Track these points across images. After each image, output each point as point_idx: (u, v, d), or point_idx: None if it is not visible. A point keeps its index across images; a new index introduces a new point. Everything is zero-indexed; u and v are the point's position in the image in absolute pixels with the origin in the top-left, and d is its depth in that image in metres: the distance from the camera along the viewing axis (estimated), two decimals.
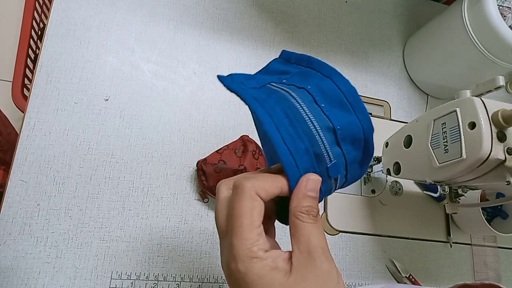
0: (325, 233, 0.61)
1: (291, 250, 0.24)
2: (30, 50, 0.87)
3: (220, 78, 0.28)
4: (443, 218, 0.68)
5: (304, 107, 0.25)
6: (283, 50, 0.29)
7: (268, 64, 0.29)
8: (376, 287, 0.48)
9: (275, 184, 0.24)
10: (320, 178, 0.24)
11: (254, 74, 0.29)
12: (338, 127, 0.24)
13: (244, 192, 0.23)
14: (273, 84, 0.28)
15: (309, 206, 0.24)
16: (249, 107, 0.26)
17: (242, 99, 0.26)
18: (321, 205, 0.60)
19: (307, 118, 0.24)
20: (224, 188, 0.26)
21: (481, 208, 0.60)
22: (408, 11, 0.81)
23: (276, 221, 0.29)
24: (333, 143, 0.25)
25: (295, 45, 0.70)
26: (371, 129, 0.25)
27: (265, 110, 0.25)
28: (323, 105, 0.25)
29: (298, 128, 0.24)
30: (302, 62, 0.28)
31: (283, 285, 0.21)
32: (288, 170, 0.24)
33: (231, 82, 0.28)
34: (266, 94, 0.26)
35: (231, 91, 0.28)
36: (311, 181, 0.24)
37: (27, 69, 0.86)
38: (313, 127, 0.24)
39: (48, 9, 0.60)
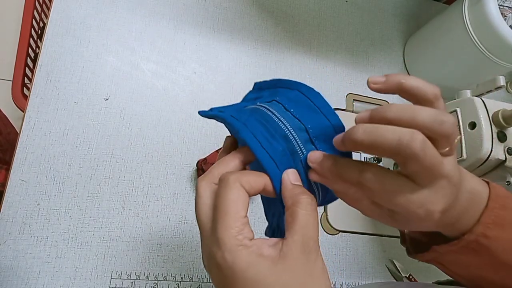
0: (325, 232, 0.61)
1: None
2: (30, 49, 0.87)
3: (200, 113, 0.31)
4: None
5: (275, 113, 0.27)
6: (255, 83, 0.32)
7: (244, 97, 0.32)
8: (373, 285, 0.48)
9: (259, 179, 0.24)
10: (295, 170, 0.26)
11: (231, 104, 0.32)
12: (309, 126, 0.26)
13: (229, 183, 0.23)
14: (248, 106, 0.30)
15: (303, 192, 0.24)
16: (226, 124, 0.29)
17: (220, 120, 0.29)
18: None
19: (280, 122, 0.26)
20: (205, 183, 0.25)
21: None
22: (409, 10, 0.81)
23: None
24: (307, 141, 0.26)
25: (295, 45, 0.70)
26: (341, 127, 0.26)
27: (241, 122, 0.27)
28: (292, 109, 0.27)
29: (273, 131, 0.26)
30: (272, 85, 0.31)
31: (270, 272, 0.21)
32: (269, 169, 0.25)
33: (210, 111, 0.31)
34: (241, 112, 0.29)
35: (210, 117, 0.31)
36: (291, 173, 0.25)
37: (27, 68, 0.86)
38: (286, 129, 0.26)
39: (48, 8, 0.60)
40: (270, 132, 0.26)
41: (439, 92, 0.23)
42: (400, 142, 0.20)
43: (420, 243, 0.33)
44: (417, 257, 0.32)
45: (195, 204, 0.25)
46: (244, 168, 0.27)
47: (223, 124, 0.30)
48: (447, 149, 0.22)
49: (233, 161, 0.26)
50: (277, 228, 0.28)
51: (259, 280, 0.21)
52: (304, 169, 0.26)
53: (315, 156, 0.25)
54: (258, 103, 0.30)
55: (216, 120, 0.31)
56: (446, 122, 0.21)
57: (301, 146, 0.26)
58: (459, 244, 0.26)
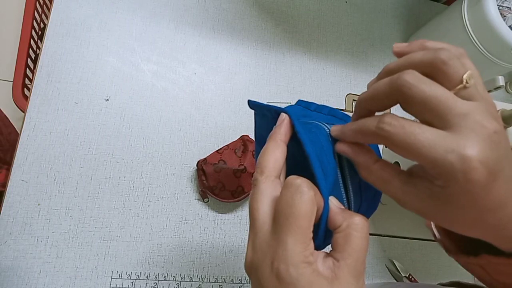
0: None
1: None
2: (30, 50, 0.87)
3: (251, 102, 0.29)
4: None
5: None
6: (299, 100, 0.31)
7: (287, 107, 0.30)
8: (373, 286, 0.48)
9: (320, 197, 0.24)
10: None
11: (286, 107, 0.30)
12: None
13: (306, 194, 0.22)
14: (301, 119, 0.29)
15: (359, 217, 0.23)
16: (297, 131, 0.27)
17: (269, 113, 0.28)
18: None
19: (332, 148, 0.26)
20: (265, 178, 0.24)
21: None
22: (408, 11, 0.81)
23: None
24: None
25: (295, 45, 0.70)
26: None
27: (307, 131, 0.25)
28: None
29: (327, 152, 0.25)
30: (323, 110, 0.30)
31: None
32: (324, 190, 0.24)
33: (263, 103, 0.29)
34: (305, 119, 0.28)
35: (261, 108, 0.29)
36: (334, 198, 0.24)
37: (27, 69, 0.86)
38: (336, 156, 0.26)
39: (49, 9, 0.60)
40: (324, 155, 0.25)
41: (463, 51, 0.21)
42: (391, 81, 0.21)
43: (467, 244, 0.30)
44: (460, 258, 0.29)
45: (253, 199, 0.24)
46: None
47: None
48: (459, 86, 0.20)
49: (280, 150, 0.25)
50: None
51: None
52: (346, 199, 0.25)
53: (336, 127, 0.25)
54: (315, 121, 0.29)
55: (260, 110, 0.29)
56: (441, 50, 0.20)
57: (347, 177, 0.26)
58: None
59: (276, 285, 0.21)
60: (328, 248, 0.24)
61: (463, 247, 0.30)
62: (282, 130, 0.25)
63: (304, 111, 0.30)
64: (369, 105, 0.23)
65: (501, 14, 0.57)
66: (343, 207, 0.24)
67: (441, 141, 0.19)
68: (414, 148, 0.20)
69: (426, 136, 0.19)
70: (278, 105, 0.30)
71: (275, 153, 0.24)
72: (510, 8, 0.58)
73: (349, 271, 0.21)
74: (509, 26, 0.56)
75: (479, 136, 0.19)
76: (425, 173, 0.21)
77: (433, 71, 0.21)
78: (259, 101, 0.29)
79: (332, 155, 0.25)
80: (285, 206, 0.22)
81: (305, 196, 0.22)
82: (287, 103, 0.65)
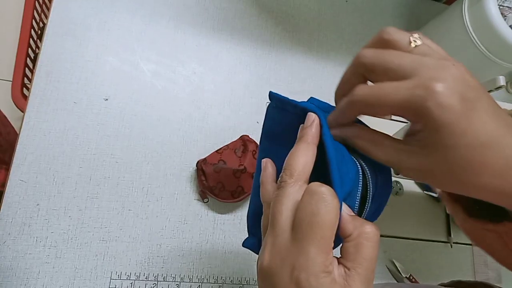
0: None
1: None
2: (30, 49, 0.87)
3: (273, 94, 0.28)
4: (443, 218, 0.68)
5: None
6: (311, 97, 0.30)
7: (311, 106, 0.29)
8: (376, 285, 0.48)
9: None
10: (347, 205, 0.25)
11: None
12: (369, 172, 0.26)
13: (331, 204, 0.22)
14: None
15: (369, 226, 0.23)
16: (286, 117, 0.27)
17: (293, 108, 0.27)
18: None
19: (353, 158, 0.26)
20: (295, 181, 0.23)
21: None
22: (408, 11, 0.81)
23: None
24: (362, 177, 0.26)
25: (295, 45, 0.70)
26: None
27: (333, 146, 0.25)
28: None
29: (347, 159, 0.25)
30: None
31: None
32: (340, 195, 0.24)
33: (286, 98, 0.28)
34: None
35: (284, 102, 0.27)
36: (345, 206, 0.24)
37: (26, 68, 0.86)
38: (357, 162, 0.26)
39: (48, 9, 0.60)
40: (345, 166, 0.25)
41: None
42: (353, 61, 0.24)
43: (475, 209, 0.28)
44: (476, 223, 0.27)
45: (278, 201, 0.23)
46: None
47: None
48: (410, 47, 0.22)
49: (312, 153, 0.24)
50: (258, 242, 0.27)
51: None
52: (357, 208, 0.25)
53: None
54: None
55: (282, 104, 0.28)
56: (384, 29, 0.24)
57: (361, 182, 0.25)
58: None
59: None
60: (336, 252, 0.23)
61: (476, 212, 0.28)
62: (313, 131, 0.24)
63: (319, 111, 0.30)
64: (342, 90, 0.25)
65: (501, 13, 0.57)
66: (353, 214, 0.24)
67: (406, 84, 0.20)
68: (385, 98, 0.21)
69: (392, 85, 0.21)
70: None
71: (306, 155, 0.24)
72: (510, 7, 0.58)
73: (360, 280, 0.21)
74: (510, 26, 0.56)
75: (439, 69, 0.20)
76: (411, 130, 0.22)
77: (385, 44, 0.23)
78: (282, 95, 0.27)
79: (352, 164, 0.25)
80: (309, 214, 0.22)
81: (330, 205, 0.21)
82: None
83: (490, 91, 0.47)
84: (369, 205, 0.26)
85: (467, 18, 0.60)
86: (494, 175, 0.20)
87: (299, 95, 0.67)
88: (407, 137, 0.23)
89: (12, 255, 0.48)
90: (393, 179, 0.66)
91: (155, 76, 0.60)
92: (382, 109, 0.22)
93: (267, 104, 0.29)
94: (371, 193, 0.26)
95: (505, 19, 0.56)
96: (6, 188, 0.50)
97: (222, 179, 0.53)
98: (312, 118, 0.25)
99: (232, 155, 0.55)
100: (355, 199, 0.25)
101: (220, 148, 0.56)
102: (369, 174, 0.26)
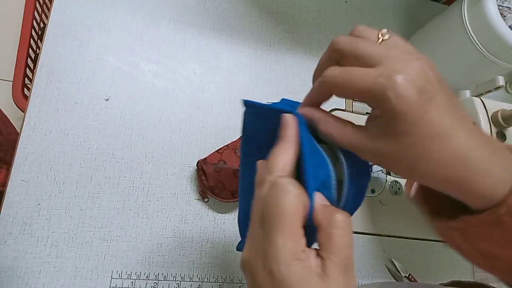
0: None
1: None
2: (30, 49, 0.87)
3: (246, 102, 0.30)
4: None
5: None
6: (283, 98, 0.31)
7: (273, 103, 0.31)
8: (373, 285, 0.48)
9: (307, 196, 0.24)
10: (320, 193, 0.25)
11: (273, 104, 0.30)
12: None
13: (291, 193, 0.22)
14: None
15: (339, 213, 0.23)
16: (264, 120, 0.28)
17: (267, 112, 0.28)
18: None
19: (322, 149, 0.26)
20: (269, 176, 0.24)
21: None
22: (408, 11, 0.81)
23: None
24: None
25: (295, 45, 0.70)
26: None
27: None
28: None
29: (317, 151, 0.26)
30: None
31: None
32: (310, 184, 0.24)
33: (257, 102, 0.29)
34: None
35: (256, 107, 0.29)
36: (319, 195, 0.24)
37: (27, 68, 0.86)
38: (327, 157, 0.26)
39: (49, 9, 0.60)
40: (317, 158, 0.25)
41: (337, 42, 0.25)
42: (328, 48, 0.26)
43: (442, 209, 0.29)
44: (440, 223, 0.28)
45: (255, 198, 0.24)
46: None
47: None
48: (379, 40, 0.24)
49: (292, 151, 0.25)
50: None
51: None
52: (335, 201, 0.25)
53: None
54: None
55: (256, 109, 0.29)
56: (355, 28, 0.25)
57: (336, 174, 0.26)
58: (494, 215, 0.23)
59: (269, 283, 0.22)
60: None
61: (443, 212, 0.29)
62: (292, 130, 0.26)
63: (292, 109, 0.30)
64: (318, 74, 0.26)
65: (501, 14, 0.57)
66: (326, 203, 0.24)
67: (371, 72, 0.22)
68: (352, 82, 0.22)
69: (360, 71, 0.22)
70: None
71: (287, 154, 0.25)
72: (510, 8, 0.58)
73: (336, 269, 0.22)
74: (509, 26, 0.56)
75: (403, 62, 0.21)
76: (372, 115, 0.24)
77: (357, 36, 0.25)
78: (255, 101, 0.29)
79: (324, 155, 0.26)
80: (272, 205, 0.23)
81: (291, 194, 0.22)
82: None
83: (489, 91, 0.47)
84: (346, 186, 0.26)
85: (466, 19, 0.60)
86: (443, 165, 0.22)
87: (299, 95, 0.67)
88: (367, 123, 0.24)
89: (13, 254, 0.48)
90: (392, 178, 0.66)
91: (155, 77, 0.60)
92: (349, 92, 0.23)
93: (244, 111, 0.30)
94: (346, 175, 0.26)
95: (504, 20, 0.57)
96: (7, 188, 0.50)
97: (223, 179, 0.54)
98: (289, 118, 0.26)
99: (232, 155, 0.55)
100: (330, 185, 0.25)
101: (221, 148, 0.56)
102: (342, 157, 0.26)
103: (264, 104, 0.28)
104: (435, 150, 0.22)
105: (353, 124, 0.25)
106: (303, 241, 0.23)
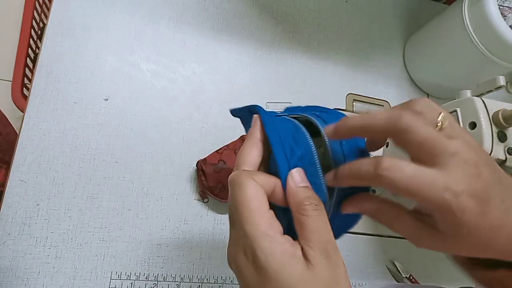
0: None
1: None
2: (30, 49, 0.87)
3: (232, 111, 0.31)
4: None
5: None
6: (287, 108, 0.32)
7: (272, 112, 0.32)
8: (376, 285, 0.48)
9: (270, 179, 0.24)
10: (301, 169, 0.25)
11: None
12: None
13: (243, 183, 0.23)
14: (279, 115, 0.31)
15: (307, 197, 0.23)
16: (246, 119, 0.29)
17: (247, 113, 0.29)
18: None
19: (307, 134, 0.26)
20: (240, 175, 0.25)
21: None
22: (408, 11, 0.81)
23: None
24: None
25: (295, 45, 0.70)
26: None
27: (271, 118, 0.27)
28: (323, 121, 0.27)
29: (298, 139, 0.26)
30: (308, 109, 0.31)
31: (303, 278, 0.21)
32: (282, 168, 0.24)
33: (239, 107, 0.30)
34: (272, 114, 0.29)
35: (240, 111, 0.30)
36: (295, 174, 0.24)
37: (26, 68, 0.86)
38: (310, 140, 0.26)
39: (48, 9, 0.60)
40: (295, 138, 0.26)
41: (428, 99, 0.23)
42: (390, 119, 0.22)
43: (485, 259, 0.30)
44: (478, 272, 0.29)
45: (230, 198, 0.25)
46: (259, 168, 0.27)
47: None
48: (436, 128, 0.22)
49: (256, 147, 0.26)
50: None
51: (292, 285, 0.21)
52: (322, 182, 0.25)
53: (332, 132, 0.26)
54: (290, 114, 0.30)
55: (242, 114, 0.30)
56: (410, 102, 0.23)
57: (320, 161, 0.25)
58: None
59: (254, 272, 0.22)
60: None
61: (481, 261, 0.30)
62: (256, 129, 0.27)
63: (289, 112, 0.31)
64: (361, 134, 0.24)
65: (501, 13, 0.57)
66: (302, 185, 0.24)
67: (437, 182, 0.21)
68: (416, 190, 0.21)
69: (424, 179, 0.21)
70: (279, 105, 0.31)
71: (251, 151, 0.26)
72: (510, 7, 0.58)
73: (317, 255, 0.22)
74: (510, 26, 0.56)
75: (464, 172, 0.21)
76: (423, 208, 0.24)
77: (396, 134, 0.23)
78: (239, 106, 0.30)
79: (306, 138, 0.26)
80: (233, 203, 0.23)
81: (243, 185, 0.23)
82: (288, 103, 0.65)
83: (490, 91, 0.47)
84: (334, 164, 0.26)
85: (467, 18, 0.60)
86: (503, 244, 0.22)
87: (299, 95, 0.67)
88: (422, 215, 0.24)
89: (12, 255, 0.48)
90: None
91: (155, 76, 0.60)
92: (406, 195, 0.22)
93: (241, 121, 0.32)
94: (331, 158, 0.26)
95: (505, 19, 0.56)
96: (6, 188, 0.50)
97: (222, 179, 0.53)
98: (254, 119, 0.27)
99: (232, 155, 0.55)
100: (313, 160, 0.25)
101: (220, 148, 0.56)
102: (327, 140, 0.26)
103: (243, 107, 0.30)
104: (496, 238, 0.22)
105: (408, 212, 0.25)
106: (275, 222, 0.23)
